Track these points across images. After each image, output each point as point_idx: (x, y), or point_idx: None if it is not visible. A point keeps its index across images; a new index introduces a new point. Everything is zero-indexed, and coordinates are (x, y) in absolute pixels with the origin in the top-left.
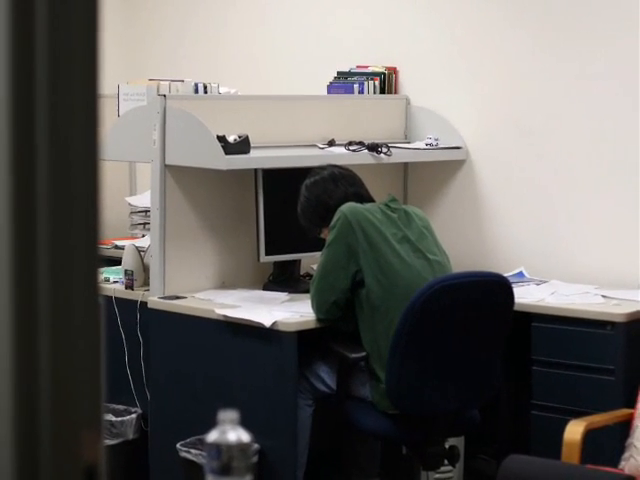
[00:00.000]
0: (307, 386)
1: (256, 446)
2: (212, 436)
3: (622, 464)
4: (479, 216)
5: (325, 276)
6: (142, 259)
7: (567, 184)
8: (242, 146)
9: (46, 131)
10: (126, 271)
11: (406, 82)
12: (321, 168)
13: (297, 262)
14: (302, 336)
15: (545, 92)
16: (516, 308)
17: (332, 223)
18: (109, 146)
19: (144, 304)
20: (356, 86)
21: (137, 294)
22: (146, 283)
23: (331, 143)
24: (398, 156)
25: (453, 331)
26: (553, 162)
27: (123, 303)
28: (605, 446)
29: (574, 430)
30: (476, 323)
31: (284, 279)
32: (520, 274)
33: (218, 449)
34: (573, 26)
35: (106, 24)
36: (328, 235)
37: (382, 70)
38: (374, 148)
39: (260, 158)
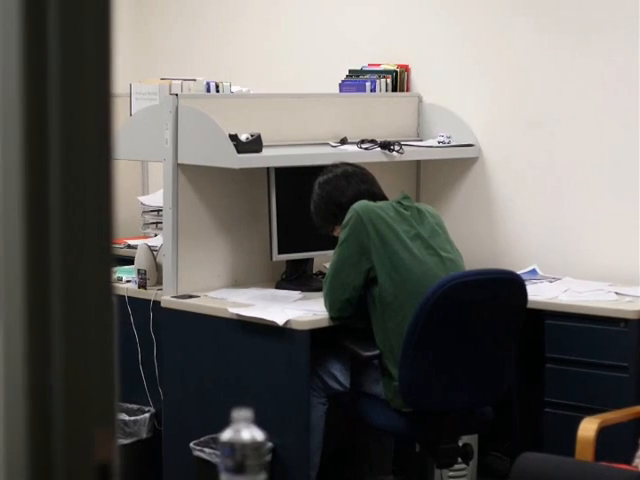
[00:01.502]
0: (320, 384)
1: (269, 444)
2: (226, 435)
3: (636, 461)
4: (491, 213)
5: (338, 274)
6: (155, 258)
7: (580, 181)
8: (254, 145)
9: (59, 130)
10: (139, 270)
11: (418, 80)
12: (334, 166)
13: (310, 260)
14: (315, 334)
15: (557, 89)
16: (529, 306)
17: (344, 221)
18: (121, 145)
19: (157, 303)
20: (368, 84)
21: (150, 293)
22: (159, 282)
23: (343, 141)
24: (410, 154)
25: (465, 328)
26: (565, 160)
27: (136, 302)
28: (619, 443)
29: (588, 427)
30: (489, 321)
31: (297, 277)
32: (533, 271)
33: (232, 448)
34: (585, 23)
35: (118, 23)
36: (340, 233)
37: (394, 68)
38: (386, 146)
39: (272, 157)
